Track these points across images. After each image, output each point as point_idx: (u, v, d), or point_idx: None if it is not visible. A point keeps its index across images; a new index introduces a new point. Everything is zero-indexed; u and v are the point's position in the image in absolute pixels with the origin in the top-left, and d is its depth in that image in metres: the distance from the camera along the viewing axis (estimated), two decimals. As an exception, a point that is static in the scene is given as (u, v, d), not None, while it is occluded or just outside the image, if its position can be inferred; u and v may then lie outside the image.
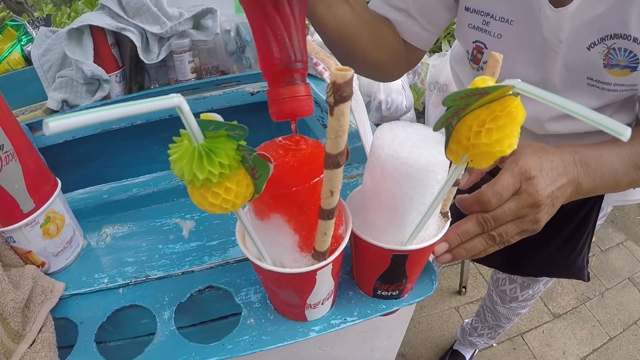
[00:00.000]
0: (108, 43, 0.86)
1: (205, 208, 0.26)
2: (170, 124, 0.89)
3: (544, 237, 0.76)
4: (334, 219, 0.28)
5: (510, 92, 0.22)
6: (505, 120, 0.22)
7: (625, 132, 0.18)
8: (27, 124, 0.83)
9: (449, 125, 0.24)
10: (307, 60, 0.33)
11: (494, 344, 1.50)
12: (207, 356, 0.41)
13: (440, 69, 1.24)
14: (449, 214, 0.38)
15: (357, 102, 0.38)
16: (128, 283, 0.51)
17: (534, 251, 0.80)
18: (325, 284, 0.36)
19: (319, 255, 0.31)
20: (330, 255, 0.32)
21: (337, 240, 0.33)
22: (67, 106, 0.88)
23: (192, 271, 0.50)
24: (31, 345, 0.44)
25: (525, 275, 0.91)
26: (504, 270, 0.91)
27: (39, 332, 0.46)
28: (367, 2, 0.65)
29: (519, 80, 0.22)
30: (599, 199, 0.71)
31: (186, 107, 0.23)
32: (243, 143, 0.25)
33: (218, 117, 0.24)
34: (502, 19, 0.56)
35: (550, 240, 0.77)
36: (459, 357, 1.40)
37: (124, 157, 0.97)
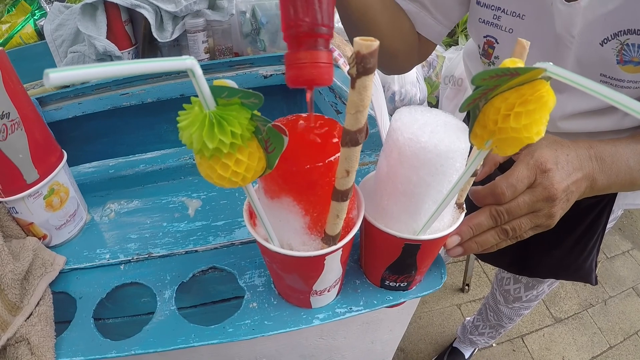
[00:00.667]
0: (122, 19, 0.85)
1: (213, 181, 0.25)
2: (181, 103, 0.88)
3: (552, 238, 0.75)
4: (348, 201, 0.27)
5: (541, 76, 0.21)
6: (535, 105, 0.21)
7: None
8: (37, 98, 0.83)
9: (475, 107, 0.23)
10: (333, 25, 0.31)
11: (494, 344, 1.49)
12: (206, 338, 0.40)
13: (456, 62, 1.21)
14: (464, 206, 0.37)
15: (375, 86, 0.37)
16: (130, 260, 0.50)
17: (543, 252, 0.79)
18: (333, 270, 0.35)
19: (329, 239, 0.30)
20: (340, 240, 0.31)
21: (348, 224, 0.32)
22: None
23: (196, 251, 0.49)
24: (28, 318, 0.44)
25: (532, 276, 0.90)
26: (511, 270, 0.90)
27: (36, 306, 0.45)
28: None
29: (551, 63, 0.21)
30: (611, 201, 0.70)
31: (199, 71, 0.22)
32: (257, 113, 0.24)
33: (232, 84, 0.22)
34: (514, 14, 0.56)
35: (559, 242, 0.76)
36: (458, 355, 1.40)
37: (132, 136, 0.96)
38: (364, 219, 0.34)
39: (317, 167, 0.27)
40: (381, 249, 0.36)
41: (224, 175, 0.24)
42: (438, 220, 0.34)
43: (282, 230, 0.31)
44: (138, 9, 0.83)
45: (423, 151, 0.28)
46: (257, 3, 0.86)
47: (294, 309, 0.41)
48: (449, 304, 1.61)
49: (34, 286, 0.47)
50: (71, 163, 0.53)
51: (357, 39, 0.19)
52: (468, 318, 1.36)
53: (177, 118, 0.24)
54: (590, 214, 0.72)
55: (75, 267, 0.50)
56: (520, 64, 0.22)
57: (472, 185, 0.41)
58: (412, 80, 1.26)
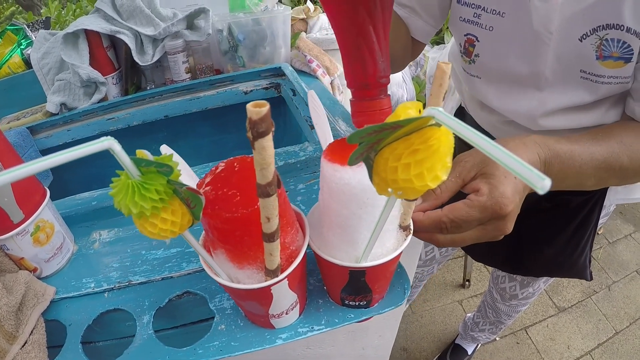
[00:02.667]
0: (103, 46, 0.88)
1: (148, 235, 0.27)
2: (167, 123, 0.91)
3: (545, 237, 0.76)
4: (277, 240, 0.29)
5: (431, 123, 0.21)
6: (425, 154, 0.21)
7: (539, 184, 0.15)
8: (27, 127, 0.86)
9: (366, 158, 0.23)
10: (390, 73, 0.36)
11: (497, 338, 1.50)
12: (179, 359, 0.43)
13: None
14: (411, 227, 0.38)
15: (318, 115, 0.38)
16: (112, 288, 0.53)
17: (536, 251, 0.79)
18: (284, 297, 0.37)
19: (270, 273, 0.32)
20: (283, 271, 0.33)
21: (292, 255, 0.34)
22: (65, 109, 0.90)
23: (172, 277, 0.52)
24: (23, 346, 0.47)
25: (526, 275, 0.90)
26: (505, 269, 0.90)
27: (30, 334, 0.49)
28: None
29: (440, 109, 0.21)
30: (601, 197, 0.70)
31: (117, 148, 0.24)
32: (178, 174, 0.26)
33: (148, 154, 0.25)
34: (494, 11, 0.56)
35: (551, 240, 0.77)
36: (461, 351, 1.40)
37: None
38: (311, 247, 0.36)
39: (246, 214, 0.29)
40: (331, 274, 0.38)
41: (153, 231, 0.26)
42: (380, 246, 0.35)
43: (226, 267, 0.33)
44: (118, 35, 0.86)
45: (348, 187, 0.30)
46: (233, 21, 0.87)
47: (258, 330, 0.43)
48: (450, 301, 1.62)
49: (27, 316, 0.50)
50: (66, 187, 0.56)
51: (248, 106, 0.21)
52: (468, 315, 1.37)
53: (111, 185, 0.27)
54: (582, 211, 0.72)
55: (65, 296, 0.53)
56: (412, 109, 0.22)
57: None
58: (399, 82, 1.26)
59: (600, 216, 0.73)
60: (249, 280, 0.34)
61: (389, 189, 0.24)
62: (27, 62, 1.02)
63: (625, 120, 0.56)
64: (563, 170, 0.45)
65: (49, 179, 0.89)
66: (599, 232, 1.86)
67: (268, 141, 0.22)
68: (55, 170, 0.92)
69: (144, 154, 0.25)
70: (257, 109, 0.21)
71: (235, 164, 0.33)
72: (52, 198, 0.62)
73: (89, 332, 0.50)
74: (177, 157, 0.39)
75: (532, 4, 0.51)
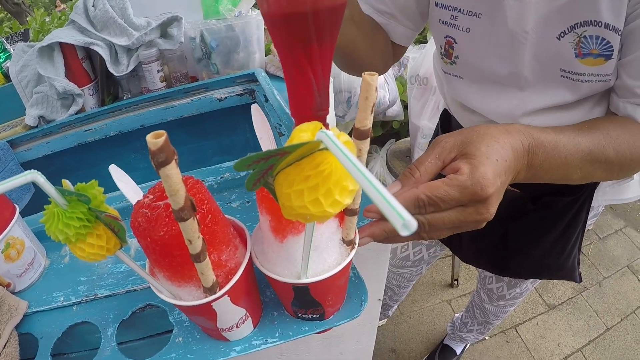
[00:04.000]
0: (79, 57, 0.88)
1: (80, 258, 0.28)
2: (144, 133, 0.91)
3: (532, 239, 0.75)
4: (206, 260, 0.29)
5: (322, 147, 0.21)
6: (317, 179, 0.21)
7: (403, 228, 0.15)
8: (7, 141, 0.87)
9: (266, 183, 0.23)
10: (328, 106, 0.38)
11: (487, 337, 1.50)
12: (138, 372, 0.44)
13: (420, 62, 1.22)
14: (356, 242, 0.38)
15: (263, 130, 0.39)
16: (80, 301, 0.54)
17: (523, 253, 0.78)
18: (230, 312, 0.37)
19: (207, 290, 0.33)
20: (222, 287, 0.33)
21: (230, 272, 0.35)
22: (44, 122, 0.91)
23: (135, 290, 0.52)
24: (-3, 359, 0.48)
25: (514, 277, 0.89)
26: (493, 271, 0.89)
27: (4, 347, 0.50)
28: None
29: (329, 132, 0.20)
30: (589, 198, 0.69)
31: (41, 180, 0.25)
32: (102, 200, 0.27)
33: (69, 184, 0.25)
34: (470, 13, 0.56)
35: (537, 242, 0.76)
36: (449, 351, 1.41)
37: (103, 166, 0.99)
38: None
39: (172, 234, 0.29)
40: (278, 290, 0.39)
41: (82, 255, 0.27)
42: (321, 262, 0.35)
43: (167, 285, 0.34)
44: (92, 47, 0.86)
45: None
46: (205, 28, 0.88)
47: (214, 342, 0.44)
48: (439, 301, 1.62)
49: (1, 330, 0.51)
50: (46, 200, 0.56)
51: (147, 137, 0.21)
52: (457, 315, 1.37)
53: (43, 212, 0.27)
54: (568, 213, 0.70)
55: (37, 310, 0.54)
56: (306, 132, 0.22)
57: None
58: (380, 83, 1.26)
59: (589, 217, 0.72)
60: (189, 297, 0.34)
61: (294, 215, 0.24)
62: (7, 75, 1.03)
63: (610, 115, 0.55)
64: (547, 160, 0.43)
65: (30, 192, 0.90)
66: (589, 228, 1.86)
67: (171, 169, 0.22)
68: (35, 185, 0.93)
69: (67, 184, 0.26)
70: (155, 140, 0.21)
71: None
72: (34, 211, 0.63)
73: (60, 344, 0.51)
74: (124, 177, 0.40)
75: (506, 3, 0.50)
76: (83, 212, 0.26)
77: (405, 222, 0.14)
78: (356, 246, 0.38)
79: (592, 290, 1.63)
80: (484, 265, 0.88)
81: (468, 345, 1.45)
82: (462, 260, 0.91)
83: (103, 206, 0.27)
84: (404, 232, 0.14)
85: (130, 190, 0.39)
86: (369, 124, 0.26)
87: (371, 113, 0.26)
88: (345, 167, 0.18)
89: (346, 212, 0.33)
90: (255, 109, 0.40)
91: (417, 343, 1.50)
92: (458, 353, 1.41)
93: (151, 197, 0.30)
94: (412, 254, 1.12)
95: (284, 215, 0.24)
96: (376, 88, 0.25)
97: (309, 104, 0.37)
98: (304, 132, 0.22)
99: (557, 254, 0.76)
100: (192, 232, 0.26)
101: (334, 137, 0.20)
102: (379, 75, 0.74)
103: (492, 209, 0.37)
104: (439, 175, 0.40)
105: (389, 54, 0.70)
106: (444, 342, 1.43)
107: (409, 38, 0.69)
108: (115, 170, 0.39)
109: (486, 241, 0.81)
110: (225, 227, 0.34)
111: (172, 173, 0.23)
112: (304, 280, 0.35)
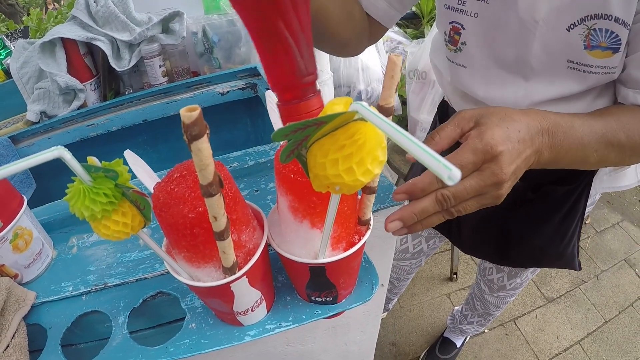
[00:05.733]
0: (80, 53, 0.89)
1: (102, 237, 0.28)
2: (146, 127, 0.92)
3: (533, 228, 0.76)
4: (229, 238, 0.30)
5: (356, 118, 0.21)
6: (351, 149, 0.21)
7: (445, 173, 0.16)
8: (9, 137, 0.87)
9: (298, 155, 0.23)
10: (316, 68, 0.31)
11: (486, 330, 1.51)
12: (151, 358, 0.44)
13: (419, 56, 1.22)
14: (371, 222, 0.39)
15: (276, 115, 0.39)
16: (90, 290, 0.54)
17: (523, 242, 0.79)
18: (247, 294, 0.38)
19: (227, 271, 0.33)
20: (241, 268, 0.34)
21: (249, 253, 0.35)
22: (45, 117, 0.90)
23: (145, 278, 0.52)
24: (5, 349, 0.48)
25: (514, 266, 0.90)
26: (493, 261, 0.90)
27: (12, 338, 0.50)
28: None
29: (364, 103, 0.21)
30: (587, 186, 0.70)
31: (67, 156, 0.25)
32: (127, 178, 0.27)
33: (96, 160, 0.26)
34: None
35: (538, 230, 0.76)
36: (449, 344, 1.41)
37: (106, 161, 1.01)
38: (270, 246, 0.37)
39: (190, 217, 0.30)
40: (293, 271, 0.39)
41: (107, 233, 0.27)
42: (340, 241, 0.36)
43: (186, 267, 0.34)
44: (94, 42, 0.86)
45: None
46: (207, 23, 0.88)
47: (227, 327, 0.44)
48: (439, 294, 1.63)
49: (9, 321, 0.51)
50: (48, 195, 0.56)
51: (181, 111, 0.22)
52: (457, 307, 1.37)
53: (66, 190, 0.28)
54: (568, 201, 0.71)
55: (45, 300, 0.54)
56: (339, 105, 0.23)
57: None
58: (378, 77, 1.27)
59: (587, 205, 0.73)
60: (208, 278, 0.35)
61: (326, 185, 0.25)
62: (7, 72, 1.02)
63: (619, 104, 0.55)
64: (567, 140, 0.45)
65: (32, 188, 0.90)
66: (587, 222, 1.88)
67: (203, 143, 0.23)
68: (38, 179, 0.93)
69: (93, 160, 0.26)
70: (189, 113, 0.22)
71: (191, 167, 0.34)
72: (36, 205, 0.63)
73: (69, 335, 0.51)
74: (139, 162, 0.40)
75: None
76: (110, 189, 0.26)
77: (451, 172, 0.15)
78: (371, 227, 0.39)
79: (590, 283, 1.65)
80: (485, 255, 0.89)
81: (468, 338, 1.46)
82: (462, 250, 0.92)
83: (128, 184, 0.28)
84: (449, 182, 0.15)
85: (145, 175, 0.39)
86: (392, 101, 0.27)
87: (395, 91, 0.27)
88: (384, 131, 0.19)
89: (365, 191, 0.34)
90: (269, 95, 0.40)
91: (417, 336, 1.51)
92: (458, 346, 1.41)
93: (176, 175, 0.30)
94: (411, 246, 1.13)
95: (314, 187, 0.24)
96: (401, 68, 0.26)
97: (290, 68, 0.29)
98: (337, 105, 0.23)
99: (557, 242, 0.76)
100: (218, 209, 0.27)
101: (369, 107, 0.21)
102: (353, 55, 0.71)
103: (505, 168, 0.39)
104: (458, 144, 0.42)
105: (363, 29, 0.65)
106: (444, 335, 1.44)
107: (391, 18, 0.65)
108: (130, 155, 0.40)
109: (487, 231, 0.82)
110: (245, 208, 0.34)
111: (204, 147, 0.23)
112: (322, 260, 0.35)
